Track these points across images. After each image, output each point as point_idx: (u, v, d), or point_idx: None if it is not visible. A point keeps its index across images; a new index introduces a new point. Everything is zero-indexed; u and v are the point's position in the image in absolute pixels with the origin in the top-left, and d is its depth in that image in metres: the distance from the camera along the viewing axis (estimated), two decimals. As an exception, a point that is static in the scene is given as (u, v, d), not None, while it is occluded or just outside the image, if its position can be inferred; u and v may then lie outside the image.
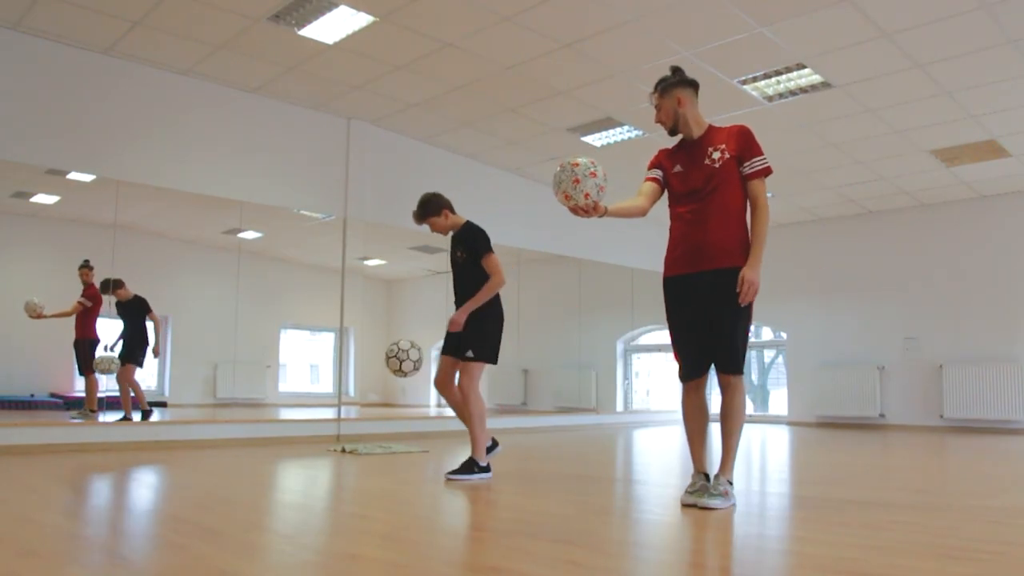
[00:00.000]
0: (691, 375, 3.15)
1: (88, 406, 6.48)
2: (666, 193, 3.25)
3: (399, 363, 4.03)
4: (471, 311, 3.92)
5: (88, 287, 6.57)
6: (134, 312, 6.74)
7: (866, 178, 8.10)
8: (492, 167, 8.29)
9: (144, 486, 3.67)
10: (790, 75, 5.73)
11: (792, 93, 6.04)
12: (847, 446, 6.46)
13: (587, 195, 2.78)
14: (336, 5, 4.93)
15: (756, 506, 3.18)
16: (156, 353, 6.91)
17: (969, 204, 8.80)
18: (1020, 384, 8.13)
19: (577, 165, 2.80)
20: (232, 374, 8.69)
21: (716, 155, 3.08)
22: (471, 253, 3.98)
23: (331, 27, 5.22)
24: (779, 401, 10.51)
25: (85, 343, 6.58)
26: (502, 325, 4.04)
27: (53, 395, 7.21)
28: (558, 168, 2.84)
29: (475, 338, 3.91)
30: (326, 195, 6.97)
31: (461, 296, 4.03)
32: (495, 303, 4.01)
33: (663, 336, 10.34)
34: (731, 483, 3.08)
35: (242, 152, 6.42)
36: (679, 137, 3.25)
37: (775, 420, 10.18)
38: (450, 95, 6.38)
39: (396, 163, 7.36)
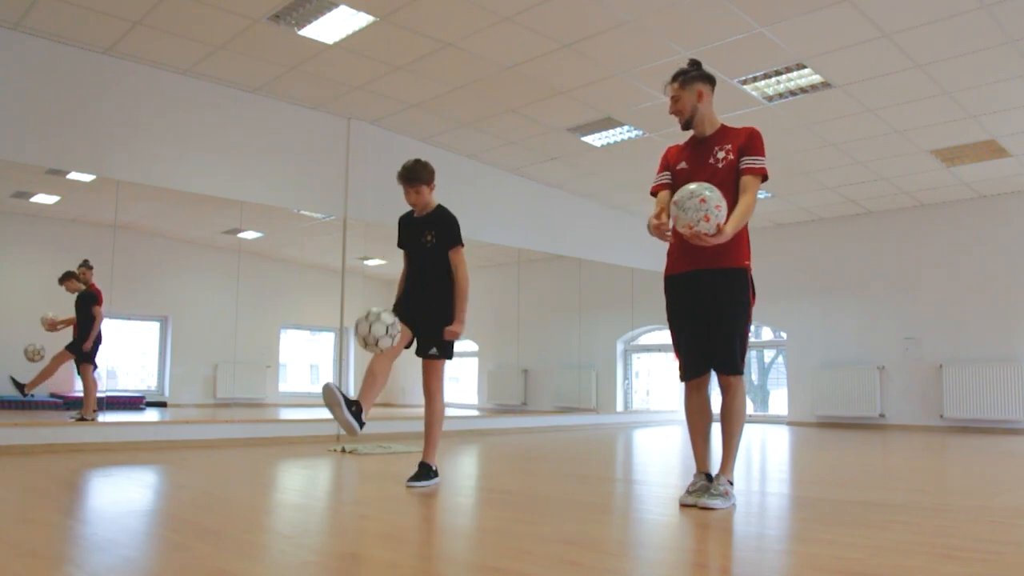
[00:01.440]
0: (692, 374, 3.15)
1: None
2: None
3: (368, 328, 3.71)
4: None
5: (88, 287, 6.56)
6: (83, 305, 6.41)
7: (866, 178, 8.10)
8: (492, 167, 8.28)
9: (144, 486, 3.67)
10: (790, 75, 5.73)
11: (792, 93, 6.03)
12: (847, 446, 6.46)
13: (718, 224, 2.76)
14: (336, 5, 4.93)
15: (756, 506, 3.18)
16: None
17: (969, 204, 8.80)
18: (1020, 384, 8.13)
19: (704, 201, 2.72)
20: (232, 374, 8.70)
21: (721, 155, 3.08)
22: (444, 239, 3.78)
23: (331, 27, 5.22)
24: (779, 401, 10.51)
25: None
26: None
27: (53, 395, 7.21)
28: (686, 200, 2.75)
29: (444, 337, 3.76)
30: (326, 195, 6.97)
31: (421, 283, 3.79)
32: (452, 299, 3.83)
33: (663, 336, 10.34)
34: (731, 483, 3.08)
35: (242, 152, 6.42)
36: (689, 134, 3.24)
37: (775, 420, 10.17)
38: (450, 95, 6.37)
39: (396, 163, 7.21)
